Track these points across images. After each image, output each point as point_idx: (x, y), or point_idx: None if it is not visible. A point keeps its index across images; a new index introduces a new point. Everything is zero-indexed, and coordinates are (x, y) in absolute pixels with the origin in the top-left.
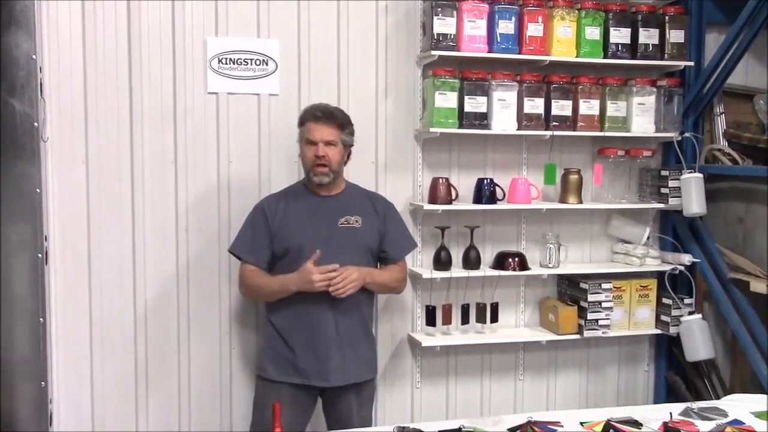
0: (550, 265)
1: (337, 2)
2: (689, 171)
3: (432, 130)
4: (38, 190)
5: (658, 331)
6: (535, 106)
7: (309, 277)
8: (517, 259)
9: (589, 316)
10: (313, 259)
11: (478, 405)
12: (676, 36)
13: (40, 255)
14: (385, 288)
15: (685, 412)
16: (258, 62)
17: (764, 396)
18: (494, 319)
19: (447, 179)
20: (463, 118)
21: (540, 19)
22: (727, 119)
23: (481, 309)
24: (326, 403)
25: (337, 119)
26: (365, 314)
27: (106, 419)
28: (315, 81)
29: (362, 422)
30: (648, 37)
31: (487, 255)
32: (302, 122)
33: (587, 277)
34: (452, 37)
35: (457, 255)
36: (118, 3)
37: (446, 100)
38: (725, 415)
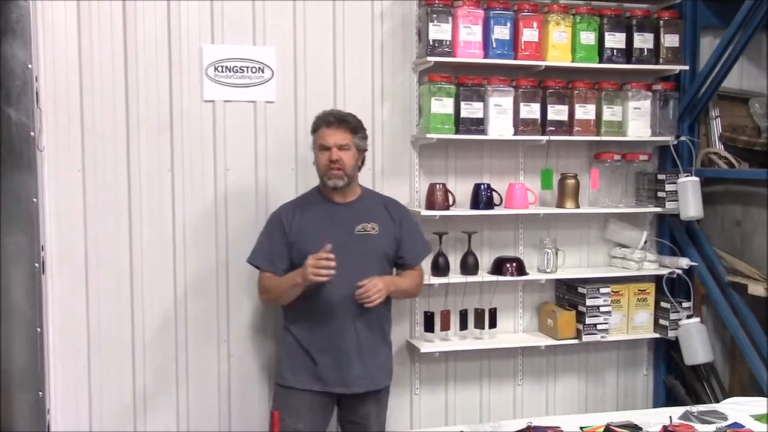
0: (548, 270)
1: (333, 9)
2: (686, 174)
3: (428, 136)
4: (35, 199)
5: (657, 335)
6: (531, 111)
7: (305, 264)
8: (514, 264)
9: (588, 320)
10: (323, 250)
11: (478, 411)
12: (670, 40)
13: (37, 264)
14: (405, 294)
15: (685, 416)
16: (254, 70)
17: (763, 399)
18: (493, 324)
19: (444, 185)
20: (460, 123)
21: (535, 24)
22: (723, 123)
23: (479, 314)
24: (344, 409)
25: (350, 123)
26: (384, 321)
27: (104, 428)
28: (311, 88)
29: (379, 427)
30: (643, 41)
31: (485, 260)
32: (315, 129)
33: (585, 281)
34: (448, 43)
35: (454, 261)
36: (114, 11)
37: (442, 105)
38: (725, 418)
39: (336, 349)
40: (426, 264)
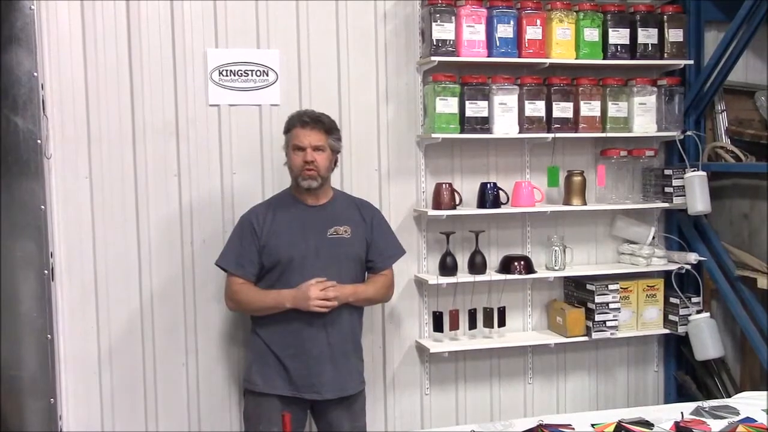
0: (556, 268)
1: (336, 11)
2: (692, 169)
3: (434, 135)
4: (42, 206)
5: (667, 331)
6: (536, 108)
7: (307, 294)
8: (522, 262)
9: (597, 317)
10: (317, 280)
11: (488, 410)
12: (675, 35)
13: (46, 272)
14: (371, 302)
15: (697, 411)
16: (258, 73)
17: None
18: (502, 323)
19: (450, 184)
20: (465, 123)
21: (538, 22)
22: (729, 116)
23: (488, 313)
24: (317, 415)
25: (325, 124)
26: (356, 327)
27: None
28: (316, 90)
29: None
30: (647, 36)
31: (493, 259)
32: (288, 129)
33: (594, 278)
34: (451, 42)
35: (462, 260)
36: (118, 18)
37: (447, 105)
38: (737, 413)
39: (307, 354)
40: (433, 264)
